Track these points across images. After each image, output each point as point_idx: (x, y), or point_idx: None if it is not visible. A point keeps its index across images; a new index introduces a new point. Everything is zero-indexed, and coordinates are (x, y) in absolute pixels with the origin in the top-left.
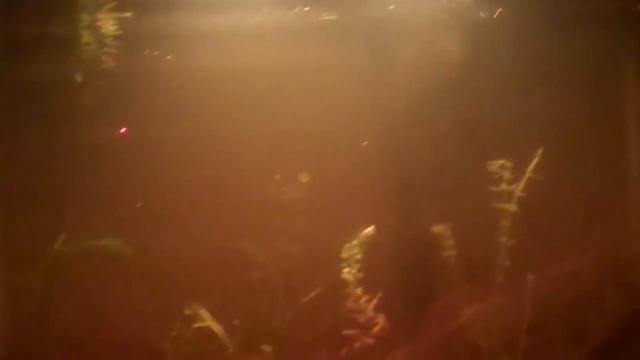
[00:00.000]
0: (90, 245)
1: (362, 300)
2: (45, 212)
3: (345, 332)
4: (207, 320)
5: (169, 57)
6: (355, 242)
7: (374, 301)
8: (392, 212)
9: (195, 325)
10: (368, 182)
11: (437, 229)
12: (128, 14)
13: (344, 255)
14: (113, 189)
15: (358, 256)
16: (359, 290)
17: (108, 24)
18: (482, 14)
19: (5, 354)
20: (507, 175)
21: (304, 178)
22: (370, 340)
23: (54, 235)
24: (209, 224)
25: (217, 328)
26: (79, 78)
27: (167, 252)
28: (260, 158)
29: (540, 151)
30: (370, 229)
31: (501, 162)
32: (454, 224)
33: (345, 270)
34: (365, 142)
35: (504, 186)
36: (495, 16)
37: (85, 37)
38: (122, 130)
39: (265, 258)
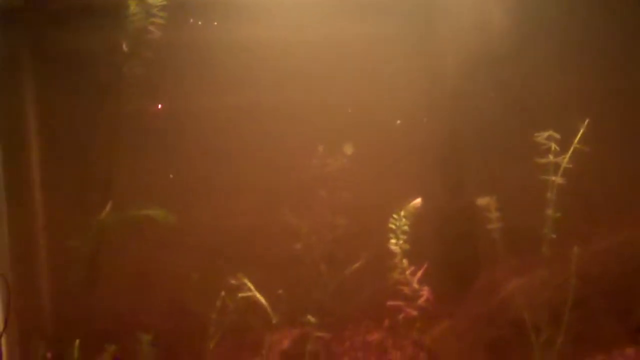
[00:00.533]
0: (135, 215)
1: (408, 272)
2: (93, 182)
3: (390, 303)
4: (252, 291)
5: (214, 27)
6: (402, 213)
7: (419, 273)
8: (437, 184)
9: (240, 296)
10: (414, 154)
11: (482, 201)
12: None
13: (392, 226)
14: (158, 160)
15: (405, 227)
16: (405, 262)
17: None
18: None
19: (55, 319)
20: (553, 146)
21: (348, 150)
22: (414, 312)
23: (100, 205)
24: (252, 195)
25: (261, 298)
26: (125, 48)
27: (211, 222)
28: (304, 129)
29: (587, 122)
30: (417, 201)
31: (548, 133)
32: (500, 196)
33: (392, 241)
34: (410, 116)
35: (550, 158)
36: None
37: (132, 7)
38: (159, 106)
39: (308, 229)
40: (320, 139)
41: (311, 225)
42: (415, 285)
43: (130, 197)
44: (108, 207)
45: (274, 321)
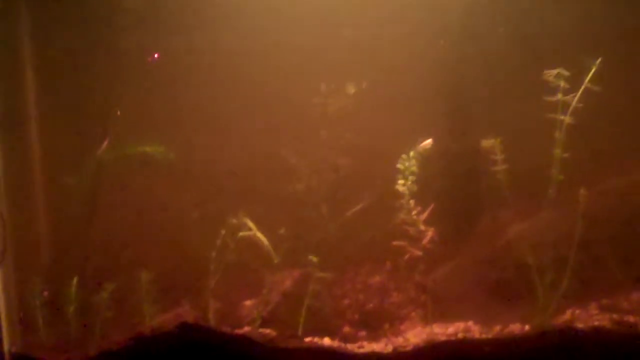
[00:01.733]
0: (133, 151)
1: (414, 212)
2: (91, 118)
3: (395, 243)
4: (253, 230)
5: None
6: (412, 154)
7: (426, 213)
8: (442, 125)
9: (241, 234)
10: (418, 95)
11: (487, 143)
12: None
13: (400, 166)
14: (158, 96)
15: (414, 168)
16: (412, 202)
17: None
18: None
19: (52, 257)
20: (563, 85)
21: (350, 89)
22: (419, 253)
23: (98, 141)
24: (253, 133)
25: (262, 238)
26: None
27: (211, 160)
28: (307, 68)
29: (598, 61)
30: (428, 142)
31: (557, 71)
32: (507, 136)
33: (400, 182)
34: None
35: (560, 96)
36: None
37: None
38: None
39: (310, 170)
40: (322, 78)
41: (312, 166)
42: (421, 226)
43: (129, 134)
44: (106, 144)
45: (275, 261)
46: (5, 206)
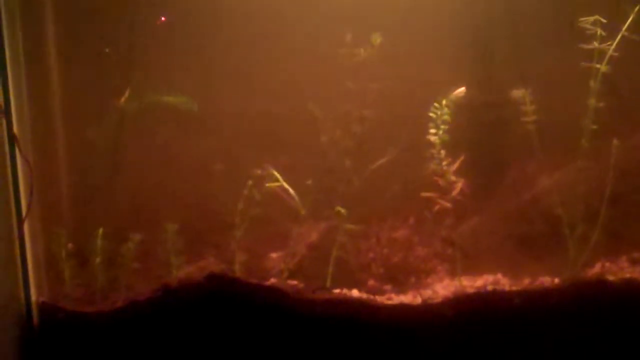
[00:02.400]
0: (155, 101)
1: (445, 163)
2: (113, 68)
3: (424, 194)
4: (279, 181)
5: None
6: (444, 102)
7: (456, 164)
8: (471, 74)
9: (267, 186)
10: (446, 45)
11: (516, 93)
12: None
13: (432, 114)
14: (181, 45)
15: (446, 117)
16: (443, 152)
17: None
18: None
19: (77, 209)
20: (599, 32)
21: (376, 39)
22: (448, 205)
23: (119, 91)
24: (277, 84)
25: (289, 189)
26: None
27: (235, 111)
28: (331, 17)
29: (637, 8)
30: (461, 90)
31: (594, 17)
32: (539, 85)
33: (432, 131)
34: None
35: (595, 44)
36: None
37: None
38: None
39: (335, 121)
40: (348, 28)
41: (338, 117)
42: (452, 177)
43: (152, 84)
44: (127, 94)
45: (302, 212)
46: (32, 158)
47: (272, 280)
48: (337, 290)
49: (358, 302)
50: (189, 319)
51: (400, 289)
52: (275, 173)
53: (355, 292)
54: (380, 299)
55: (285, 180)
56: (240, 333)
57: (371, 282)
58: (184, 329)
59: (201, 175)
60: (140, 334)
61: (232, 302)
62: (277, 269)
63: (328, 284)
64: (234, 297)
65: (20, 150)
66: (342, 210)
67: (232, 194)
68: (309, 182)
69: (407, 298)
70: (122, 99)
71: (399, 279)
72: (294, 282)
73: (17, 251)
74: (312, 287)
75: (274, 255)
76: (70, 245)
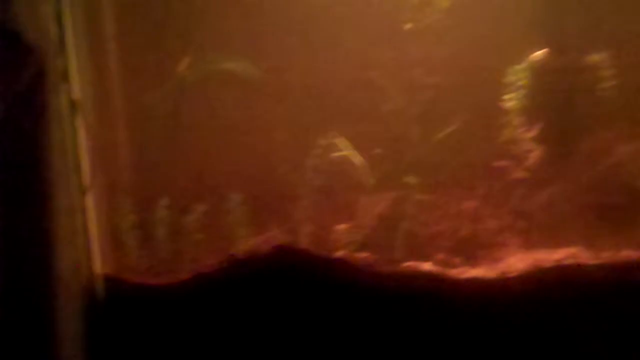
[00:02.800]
0: (216, 68)
1: (520, 130)
2: (172, 32)
3: (497, 163)
4: (345, 150)
5: None
6: (522, 66)
7: (532, 132)
8: (547, 37)
9: (332, 155)
10: (518, 8)
11: (594, 57)
12: None
13: (509, 79)
14: (243, 8)
15: (524, 82)
16: (519, 119)
17: None
18: None
19: (139, 178)
20: None
21: (443, 2)
22: (522, 174)
23: (179, 58)
24: (341, 50)
25: (356, 158)
26: None
27: (297, 78)
28: None
29: None
30: (541, 52)
31: None
32: (619, 47)
33: (508, 96)
34: None
35: None
36: None
37: None
38: None
39: (398, 90)
40: None
41: (404, 84)
42: (527, 145)
43: (212, 49)
44: (188, 60)
45: (370, 182)
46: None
47: (341, 253)
48: (408, 264)
49: (430, 276)
50: (256, 291)
51: (471, 262)
52: (342, 141)
53: (426, 265)
54: (452, 272)
55: (351, 149)
56: (308, 307)
57: (440, 255)
58: (250, 302)
59: (265, 144)
60: (206, 306)
61: (300, 275)
62: (344, 241)
63: (397, 256)
64: (302, 269)
65: (81, 117)
66: (412, 180)
67: (297, 163)
68: (377, 151)
69: (480, 272)
70: (184, 65)
71: (469, 251)
72: (365, 254)
73: (80, 223)
74: (383, 260)
75: (341, 226)
76: (134, 216)
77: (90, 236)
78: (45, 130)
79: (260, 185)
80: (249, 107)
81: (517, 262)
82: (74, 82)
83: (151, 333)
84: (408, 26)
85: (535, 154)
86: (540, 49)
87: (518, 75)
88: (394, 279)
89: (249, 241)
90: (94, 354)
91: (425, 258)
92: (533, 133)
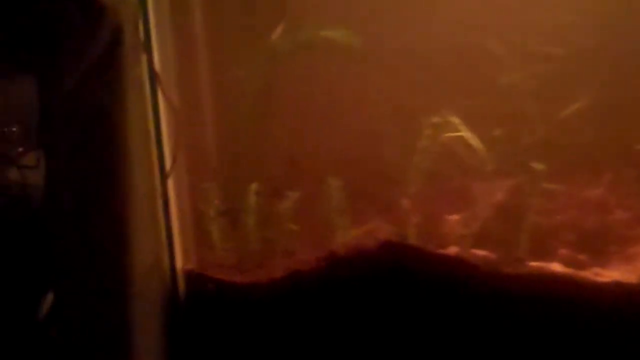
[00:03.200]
0: (313, 36)
1: None
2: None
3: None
4: (460, 130)
5: None
6: None
7: None
8: None
9: (445, 136)
10: None
11: None
12: None
13: None
14: None
15: None
16: None
17: None
18: None
19: (225, 160)
20: None
21: None
22: None
23: (272, 26)
24: (452, 18)
25: (472, 139)
26: None
27: (403, 47)
28: None
29: None
30: None
31: None
32: None
33: None
34: None
35: None
36: None
37: None
38: None
39: (515, 61)
40: None
41: (519, 56)
42: None
43: (307, 16)
44: (281, 28)
45: (488, 167)
46: (176, 100)
47: (453, 249)
48: (534, 263)
49: (562, 279)
50: (359, 294)
51: (600, 260)
52: (456, 120)
53: (555, 266)
54: (586, 274)
55: (466, 130)
56: (420, 313)
57: (563, 251)
58: (352, 306)
59: (368, 122)
60: (301, 309)
61: (410, 276)
62: (457, 234)
63: (518, 253)
64: (413, 269)
65: (163, 92)
66: (539, 166)
67: (405, 144)
68: (497, 131)
69: (617, 274)
70: (277, 34)
71: (596, 247)
72: (482, 252)
73: (161, 210)
74: (504, 258)
75: (453, 217)
76: (220, 203)
77: (172, 226)
78: (123, 105)
79: (362, 169)
80: (349, 81)
81: None
82: (155, 52)
83: (238, 338)
84: None
85: None
86: None
87: None
88: (520, 282)
89: (350, 233)
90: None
91: (547, 254)
92: None
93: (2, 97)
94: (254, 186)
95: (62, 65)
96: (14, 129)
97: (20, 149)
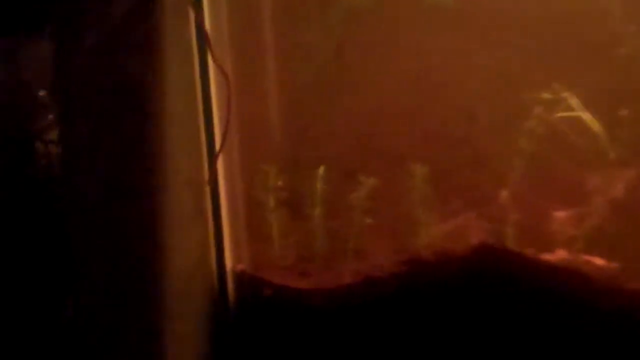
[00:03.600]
0: None
1: None
2: None
3: None
4: (576, 109)
5: None
6: None
7: None
8: None
9: (558, 116)
10: None
11: None
12: None
13: None
14: None
15: None
16: None
17: None
18: None
19: (279, 140)
20: None
21: None
22: None
23: None
24: None
25: (591, 121)
26: None
27: (505, 8)
28: None
29: None
30: None
31: None
32: None
33: None
34: None
35: None
36: None
37: None
38: None
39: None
40: None
41: None
42: None
43: None
44: None
45: (610, 155)
46: (229, 68)
47: (562, 254)
48: None
49: None
50: (445, 307)
51: None
52: (570, 97)
53: None
54: None
55: (584, 109)
56: (517, 332)
57: None
58: (436, 321)
59: (460, 97)
60: (374, 323)
61: (508, 287)
62: (566, 235)
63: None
64: (511, 278)
65: (213, 57)
66: None
67: (505, 125)
68: (623, 112)
69: None
70: None
71: None
72: (597, 260)
73: (208, 199)
74: (628, 269)
75: (561, 214)
76: (279, 183)
77: (221, 219)
78: (161, 72)
79: (451, 153)
80: (438, 46)
81: None
82: (205, 8)
83: (296, 355)
84: None
85: None
86: None
87: None
88: None
89: (435, 230)
90: None
91: None
92: None
93: (27, 56)
94: (320, 170)
95: (82, 17)
96: (42, 94)
97: (51, 116)
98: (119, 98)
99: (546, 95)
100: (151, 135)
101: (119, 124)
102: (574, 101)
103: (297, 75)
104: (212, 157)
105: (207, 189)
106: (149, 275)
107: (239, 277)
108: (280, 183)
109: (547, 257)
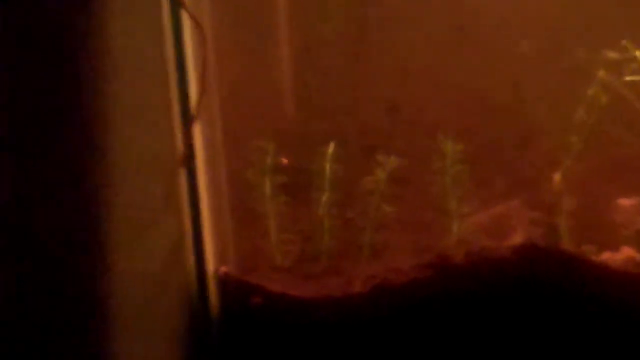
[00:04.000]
0: None
1: None
2: None
3: None
4: None
5: None
6: None
7: None
8: None
9: (627, 80)
10: None
11: None
12: None
13: None
14: None
15: None
16: None
17: None
18: None
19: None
20: None
21: None
22: None
23: None
24: None
25: None
26: None
27: None
28: None
29: None
30: None
31: None
32: None
33: None
34: None
35: None
36: None
37: None
38: None
39: None
40: None
41: None
42: None
43: None
44: None
45: None
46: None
47: (628, 252)
48: None
49: None
50: (480, 320)
51: None
52: None
53: None
54: None
55: None
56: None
57: None
58: (470, 338)
59: (500, 58)
60: (391, 340)
61: (559, 296)
62: (631, 227)
63: None
64: (562, 285)
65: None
66: None
67: (559, 92)
68: None
69: None
70: None
71: None
72: None
73: (184, 183)
74: None
75: (625, 202)
76: (284, 160)
77: (200, 209)
78: (117, 24)
79: (489, 128)
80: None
81: None
82: None
83: None
84: None
85: None
86: None
87: None
88: None
89: (468, 222)
90: None
91: None
92: None
93: None
94: (330, 147)
95: None
96: None
97: None
98: (56, 61)
99: (612, 55)
100: (99, 99)
101: (51, 82)
102: None
103: (306, 28)
104: (187, 127)
105: (181, 171)
106: (97, 286)
107: (223, 282)
108: (278, 166)
109: (610, 256)
